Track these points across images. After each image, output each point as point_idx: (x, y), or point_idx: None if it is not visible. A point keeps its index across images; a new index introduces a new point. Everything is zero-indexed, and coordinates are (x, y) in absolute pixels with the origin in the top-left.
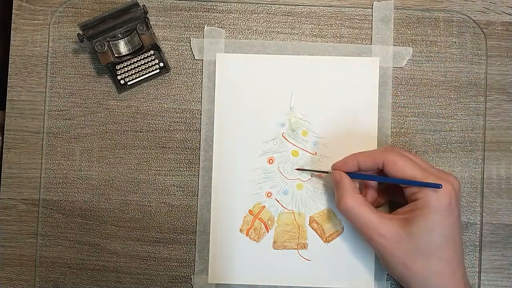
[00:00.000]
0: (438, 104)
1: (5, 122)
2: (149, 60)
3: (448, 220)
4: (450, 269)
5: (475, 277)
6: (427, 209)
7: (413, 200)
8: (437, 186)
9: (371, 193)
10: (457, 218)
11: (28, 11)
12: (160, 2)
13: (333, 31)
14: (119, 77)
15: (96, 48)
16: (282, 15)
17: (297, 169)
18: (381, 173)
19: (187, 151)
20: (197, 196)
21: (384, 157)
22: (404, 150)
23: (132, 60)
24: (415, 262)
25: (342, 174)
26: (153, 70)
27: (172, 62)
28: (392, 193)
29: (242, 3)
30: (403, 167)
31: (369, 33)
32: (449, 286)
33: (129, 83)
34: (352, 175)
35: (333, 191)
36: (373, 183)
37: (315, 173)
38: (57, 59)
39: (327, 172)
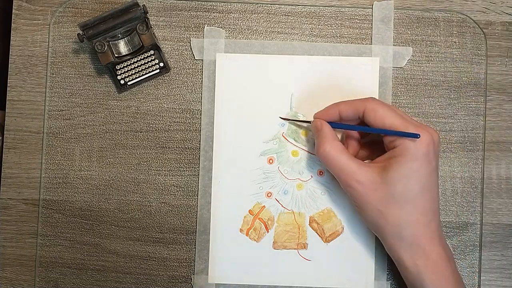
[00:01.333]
0: (438, 104)
1: (5, 122)
2: (149, 60)
3: (425, 169)
4: (425, 218)
5: (475, 277)
6: (405, 157)
7: (392, 147)
8: (415, 136)
9: (353, 144)
10: (434, 168)
11: (28, 11)
12: (160, 2)
13: (333, 31)
14: (119, 77)
15: (96, 48)
16: (282, 15)
17: (281, 118)
18: (362, 124)
19: (187, 151)
20: (197, 196)
21: (364, 105)
22: (384, 102)
23: (132, 60)
24: (390, 209)
25: (323, 122)
26: (153, 70)
27: (172, 62)
28: (374, 149)
29: (242, 3)
30: (382, 115)
31: (369, 33)
32: (423, 235)
33: (129, 83)
34: (333, 124)
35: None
36: (355, 134)
37: (298, 123)
38: (57, 59)
39: (309, 122)
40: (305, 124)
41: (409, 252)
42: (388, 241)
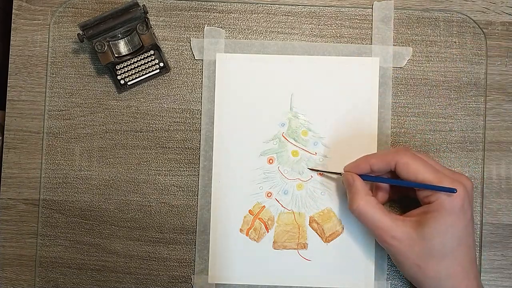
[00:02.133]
0: (438, 104)
1: (5, 122)
2: (149, 60)
3: (461, 222)
4: (463, 270)
5: None
6: (441, 212)
7: (426, 202)
8: (452, 190)
9: (382, 193)
10: (470, 219)
11: (28, 11)
12: (160, 2)
13: (333, 31)
14: (119, 77)
15: (96, 48)
16: (282, 15)
17: (310, 169)
18: (393, 174)
19: (187, 151)
20: (197, 196)
21: (396, 160)
22: (416, 150)
23: (132, 60)
24: (428, 264)
25: (355, 176)
26: (153, 70)
27: (172, 62)
28: (403, 191)
29: (242, 3)
30: (415, 170)
31: (369, 33)
32: (462, 286)
33: (129, 83)
34: (364, 177)
35: (343, 192)
36: (385, 184)
37: (327, 173)
38: (57, 59)
39: (339, 174)
40: (335, 176)
41: None
42: None
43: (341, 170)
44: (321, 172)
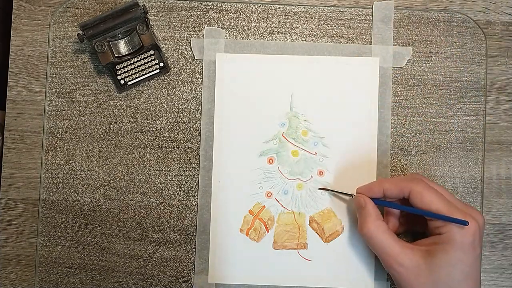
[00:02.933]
0: (438, 104)
1: (5, 122)
2: (149, 60)
3: (470, 257)
4: None
5: None
6: (451, 245)
7: (437, 233)
8: (464, 223)
9: (393, 220)
10: (478, 255)
11: (28, 11)
12: (160, 2)
13: (333, 31)
14: (119, 77)
15: (96, 48)
16: (282, 15)
17: (321, 189)
18: (404, 201)
19: (187, 151)
20: (197, 196)
21: (410, 187)
22: (430, 180)
23: (132, 60)
24: None
25: (367, 199)
26: (153, 70)
27: (172, 62)
28: (413, 222)
29: (242, 3)
30: (429, 199)
31: (369, 33)
32: None
33: (129, 83)
34: (376, 201)
35: (354, 213)
36: (396, 210)
37: (338, 194)
38: (57, 59)
39: (351, 195)
40: (347, 197)
41: None
42: None
43: (342, 173)
44: (334, 192)
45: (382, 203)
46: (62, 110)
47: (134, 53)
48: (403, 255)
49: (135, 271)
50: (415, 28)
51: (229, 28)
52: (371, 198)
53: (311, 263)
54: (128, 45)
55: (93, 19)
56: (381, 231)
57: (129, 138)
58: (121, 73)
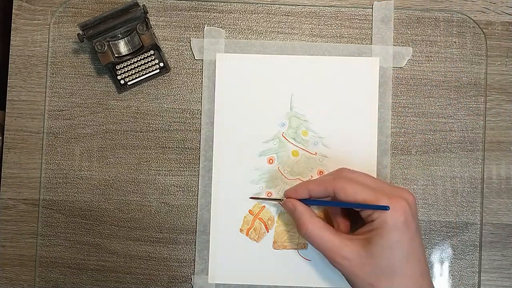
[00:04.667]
0: (438, 104)
1: (5, 122)
2: (149, 60)
3: (406, 236)
4: (416, 284)
5: (475, 277)
6: (384, 228)
7: (370, 221)
8: (384, 208)
9: (341, 219)
10: (415, 232)
11: (28, 11)
12: (160, 2)
13: (333, 31)
14: (119, 77)
15: (96, 48)
16: (282, 15)
17: (251, 198)
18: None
19: (187, 151)
20: (197, 196)
21: (333, 186)
22: (353, 171)
23: (132, 60)
24: (380, 281)
25: (295, 201)
26: (153, 70)
27: (172, 62)
28: (357, 216)
29: (242, 3)
30: (353, 192)
31: (369, 33)
32: None
33: (129, 83)
34: (306, 201)
35: None
36: (337, 209)
37: (269, 201)
38: (57, 59)
39: (280, 200)
40: (276, 202)
41: None
42: None
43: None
44: (263, 200)
45: (312, 202)
46: (62, 110)
47: (134, 53)
48: (344, 248)
49: (135, 271)
50: (415, 28)
51: (229, 28)
52: (301, 200)
53: (311, 263)
54: (128, 45)
55: (93, 19)
56: (318, 228)
57: (129, 138)
58: (121, 73)
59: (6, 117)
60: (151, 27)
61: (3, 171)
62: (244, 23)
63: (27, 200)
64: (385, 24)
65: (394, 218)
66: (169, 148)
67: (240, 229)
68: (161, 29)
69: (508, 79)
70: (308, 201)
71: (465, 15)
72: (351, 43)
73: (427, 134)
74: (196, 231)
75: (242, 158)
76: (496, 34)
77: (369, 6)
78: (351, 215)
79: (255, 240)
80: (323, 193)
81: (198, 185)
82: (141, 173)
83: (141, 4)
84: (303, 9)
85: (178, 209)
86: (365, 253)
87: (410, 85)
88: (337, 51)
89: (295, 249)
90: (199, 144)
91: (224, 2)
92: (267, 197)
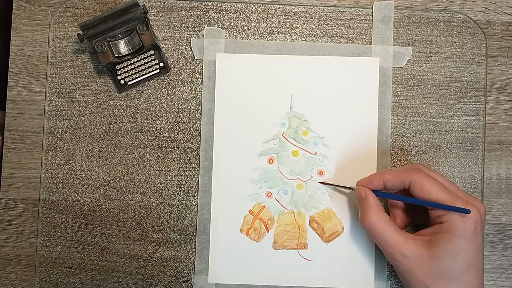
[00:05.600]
0: (438, 104)
1: (5, 122)
2: (149, 60)
3: (472, 246)
4: None
5: None
6: (453, 233)
7: (438, 222)
8: (466, 211)
9: (399, 213)
10: (480, 243)
11: (28, 11)
12: (160, 2)
13: (333, 31)
14: (119, 77)
15: (96, 48)
16: (282, 15)
17: (321, 183)
18: (405, 192)
19: (187, 151)
20: (197, 196)
21: (410, 178)
22: (430, 169)
23: (132, 60)
24: (436, 284)
25: (367, 191)
26: (153, 70)
27: (172, 62)
28: (415, 213)
29: (242, 3)
30: (429, 189)
31: (369, 33)
32: None
33: (129, 83)
34: (377, 193)
35: (343, 193)
36: (400, 203)
37: (338, 188)
38: (57, 59)
39: (351, 188)
40: (347, 191)
41: None
42: None
43: (343, 173)
44: (334, 187)
45: (383, 195)
46: (62, 110)
47: (134, 53)
48: (405, 246)
49: (135, 271)
50: (415, 28)
51: (229, 28)
52: (372, 191)
53: (311, 263)
54: (128, 45)
55: (93, 19)
56: (383, 222)
57: (129, 138)
58: (121, 73)
59: (6, 117)
60: (151, 27)
61: (3, 171)
62: (244, 23)
63: (27, 200)
64: (385, 24)
65: (465, 225)
66: (169, 148)
67: (240, 229)
68: (161, 29)
69: (508, 79)
70: (381, 194)
71: (465, 15)
72: (351, 43)
73: (427, 134)
74: (196, 231)
75: (242, 158)
76: (496, 34)
77: (369, 6)
78: (411, 212)
79: (255, 240)
80: (397, 185)
81: (198, 185)
82: (141, 173)
83: (141, 4)
84: (303, 9)
85: (178, 209)
86: (427, 254)
87: (410, 85)
88: (337, 51)
89: (295, 249)
90: (199, 144)
91: (224, 2)
92: (338, 185)
